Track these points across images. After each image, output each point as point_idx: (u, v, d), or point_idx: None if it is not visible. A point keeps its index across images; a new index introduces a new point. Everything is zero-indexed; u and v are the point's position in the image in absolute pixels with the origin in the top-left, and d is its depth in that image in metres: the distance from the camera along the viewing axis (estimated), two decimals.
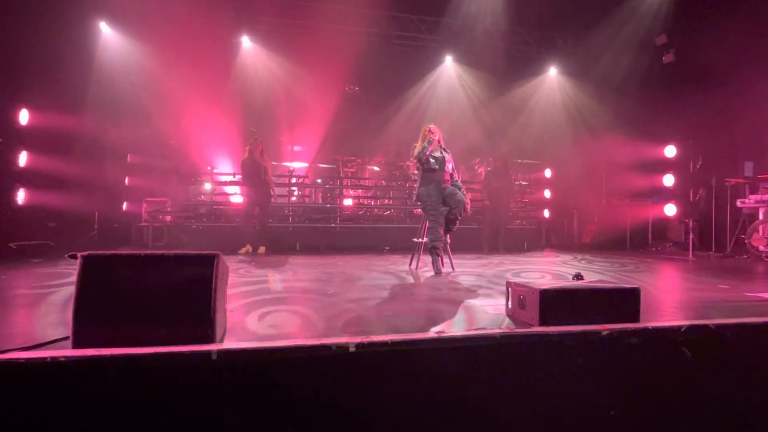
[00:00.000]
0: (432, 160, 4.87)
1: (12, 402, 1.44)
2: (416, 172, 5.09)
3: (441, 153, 4.95)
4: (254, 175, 7.05)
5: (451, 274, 4.73)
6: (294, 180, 9.79)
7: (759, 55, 7.54)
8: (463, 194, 4.92)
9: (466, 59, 11.15)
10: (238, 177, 8.68)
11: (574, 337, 1.89)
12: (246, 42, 10.20)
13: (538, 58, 11.07)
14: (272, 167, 7.58)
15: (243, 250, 7.00)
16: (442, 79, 11.44)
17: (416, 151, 4.92)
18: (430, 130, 4.93)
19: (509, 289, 2.59)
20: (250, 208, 7.19)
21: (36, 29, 7.22)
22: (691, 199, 8.19)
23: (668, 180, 9.13)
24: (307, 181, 10.09)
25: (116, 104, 8.50)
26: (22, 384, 1.46)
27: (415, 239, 5.24)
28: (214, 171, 9.70)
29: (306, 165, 10.29)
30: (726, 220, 7.90)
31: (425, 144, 4.88)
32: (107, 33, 9.07)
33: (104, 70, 8.75)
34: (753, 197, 7.20)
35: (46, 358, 1.47)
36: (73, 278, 1.77)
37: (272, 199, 7.28)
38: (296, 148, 10.69)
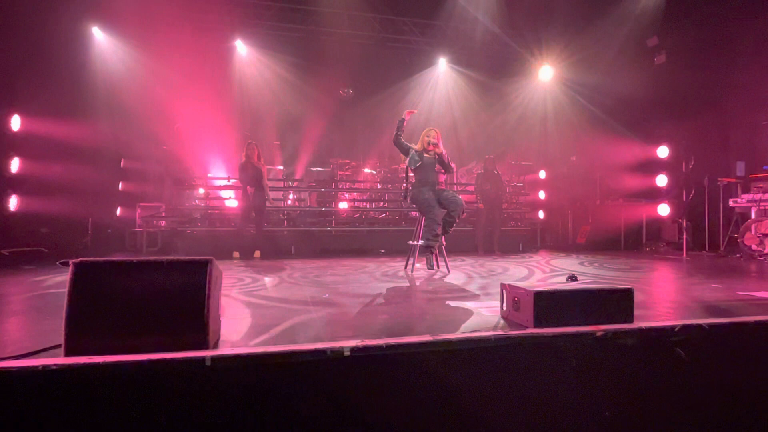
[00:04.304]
0: (416, 157, 4.94)
1: (3, 411, 1.43)
2: (412, 174, 5.12)
3: (429, 155, 4.99)
4: (253, 179, 7.05)
5: (446, 276, 4.73)
6: (288, 184, 9.77)
7: (750, 56, 7.61)
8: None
9: (459, 61, 11.20)
10: (233, 181, 8.66)
11: (568, 338, 1.90)
12: (240, 46, 10.20)
13: (532, 59, 11.13)
14: (267, 171, 7.58)
15: (236, 254, 6.99)
16: (435, 81, 11.48)
17: (394, 136, 5.04)
18: (428, 136, 5.00)
19: (504, 291, 2.59)
20: (248, 212, 7.18)
21: (27, 34, 7.18)
22: (684, 199, 8.24)
23: (661, 180, 9.19)
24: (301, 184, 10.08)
25: (109, 109, 8.47)
26: (13, 393, 1.44)
27: (411, 242, 5.24)
28: (208, 175, 9.68)
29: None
30: (719, 220, 7.95)
31: (411, 145, 5.00)
32: (99, 38, 9.05)
33: (96, 75, 8.72)
34: (745, 197, 7.25)
35: (37, 367, 1.46)
36: (66, 285, 1.75)
37: (267, 204, 7.29)
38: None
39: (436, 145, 4.95)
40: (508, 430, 1.81)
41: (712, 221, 8.13)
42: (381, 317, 2.73)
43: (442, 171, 5.18)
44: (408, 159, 5.04)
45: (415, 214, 7.48)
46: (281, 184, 9.70)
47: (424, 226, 4.91)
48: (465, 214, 5.21)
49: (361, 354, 1.68)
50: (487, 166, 8.65)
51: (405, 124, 5.02)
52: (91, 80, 8.58)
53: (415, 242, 5.11)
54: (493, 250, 8.34)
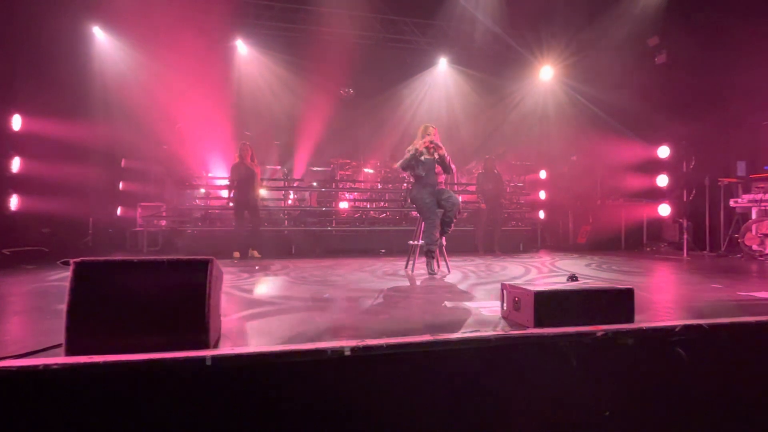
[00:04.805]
0: (418, 166, 4.90)
1: (4, 410, 1.43)
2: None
3: (429, 156, 4.94)
4: (244, 179, 7.07)
5: (447, 276, 4.73)
6: (288, 183, 9.77)
7: (751, 55, 7.59)
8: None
9: (460, 61, 11.20)
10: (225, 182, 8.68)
11: (568, 338, 1.90)
12: (240, 46, 10.21)
13: (532, 59, 11.13)
14: (262, 171, 7.62)
15: (236, 255, 7.00)
16: (436, 81, 11.48)
17: (397, 165, 5.05)
18: (428, 134, 4.97)
19: (504, 291, 2.59)
20: (240, 212, 7.19)
21: (28, 34, 7.19)
22: (685, 199, 8.23)
23: (662, 180, 9.18)
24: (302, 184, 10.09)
25: (110, 109, 8.48)
26: (14, 392, 1.45)
27: (411, 242, 5.24)
28: (209, 175, 9.68)
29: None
30: (720, 220, 7.95)
31: (406, 157, 4.96)
32: (100, 38, 9.06)
33: (97, 74, 8.73)
34: (746, 197, 7.24)
35: (38, 366, 1.46)
36: (66, 285, 1.75)
37: (258, 203, 7.33)
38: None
39: (439, 147, 4.92)
40: (508, 429, 1.81)
41: (713, 221, 8.12)
42: (381, 317, 2.73)
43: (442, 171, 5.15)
44: (413, 167, 5.00)
45: (415, 213, 7.47)
46: (281, 184, 9.70)
47: (423, 230, 4.89)
48: (465, 214, 5.21)
49: (361, 354, 1.68)
50: (487, 165, 8.66)
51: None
52: (92, 80, 8.59)
53: (416, 242, 5.11)
54: (493, 249, 8.34)
